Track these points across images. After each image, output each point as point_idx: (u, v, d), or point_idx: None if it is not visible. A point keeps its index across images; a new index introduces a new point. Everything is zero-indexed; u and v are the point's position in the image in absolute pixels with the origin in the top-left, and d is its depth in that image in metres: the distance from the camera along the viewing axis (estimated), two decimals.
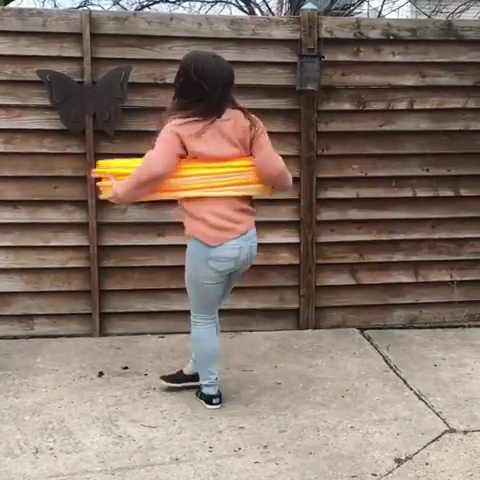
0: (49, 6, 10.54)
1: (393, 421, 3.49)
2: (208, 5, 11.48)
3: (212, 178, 3.32)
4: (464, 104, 4.89)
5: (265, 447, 3.22)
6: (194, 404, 3.64)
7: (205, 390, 3.63)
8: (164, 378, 3.84)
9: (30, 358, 4.31)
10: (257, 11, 10.99)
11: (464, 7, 10.09)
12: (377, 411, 3.61)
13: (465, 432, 3.38)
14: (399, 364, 4.26)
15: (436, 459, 3.12)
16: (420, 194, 4.94)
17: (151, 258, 4.70)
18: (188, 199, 3.35)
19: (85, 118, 4.55)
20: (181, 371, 3.86)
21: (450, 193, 4.97)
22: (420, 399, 3.76)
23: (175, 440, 3.29)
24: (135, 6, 11.54)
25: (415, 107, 4.85)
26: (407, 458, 3.12)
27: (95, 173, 3.56)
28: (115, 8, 11.28)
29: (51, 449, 3.19)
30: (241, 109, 3.38)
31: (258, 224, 3.55)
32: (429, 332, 4.88)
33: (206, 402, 3.61)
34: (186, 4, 11.71)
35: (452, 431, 3.39)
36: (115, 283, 4.77)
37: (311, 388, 3.90)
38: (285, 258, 4.85)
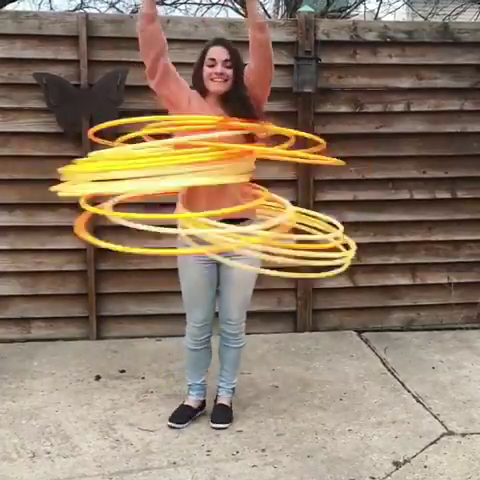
0: (45, 9, 10.50)
1: (391, 424, 3.49)
2: (204, 8, 11.47)
3: None
4: (461, 106, 4.90)
5: (263, 450, 3.22)
6: None
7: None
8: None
9: (27, 362, 4.30)
10: None
11: (460, 9, 10.09)
12: (375, 414, 3.60)
13: (463, 435, 3.38)
14: (397, 367, 4.25)
15: (434, 462, 3.11)
16: (417, 196, 4.94)
17: (148, 261, 4.68)
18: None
19: (81, 121, 4.54)
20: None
21: (447, 195, 4.97)
22: (418, 402, 3.75)
23: (173, 444, 3.28)
24: (131, 9, 11.53)
25: (412, 109, 4.86)
26: (405, 461, 3.12)
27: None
28: (111, 11, 11.26)
29: (48, 453, 3.18)
30: None
31: None
32: (427, 334, 4.88)
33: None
34: (182, 7, 11.68)
35: (450, 434, 3.39)
36: (112, 286, 4.76)
37: (309, 391, 3.89)
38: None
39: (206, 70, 3.22)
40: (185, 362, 3.63)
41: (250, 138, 3.19)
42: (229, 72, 3.20)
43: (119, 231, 4.66)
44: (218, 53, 3.21)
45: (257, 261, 3.36)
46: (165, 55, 3.24)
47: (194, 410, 3.54)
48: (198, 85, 3.28)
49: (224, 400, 3.55)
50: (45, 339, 4.67)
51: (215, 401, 3.57)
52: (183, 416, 3.48)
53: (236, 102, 3.20)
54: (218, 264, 3.35)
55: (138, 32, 3.20)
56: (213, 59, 3.20)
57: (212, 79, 3.20)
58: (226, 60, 3.20)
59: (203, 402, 3.59)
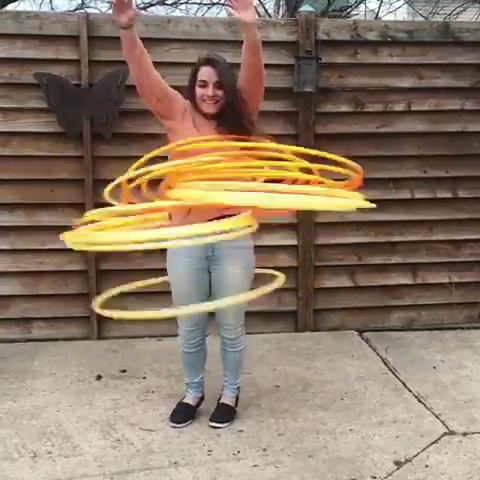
0: (46, 9, 10.51)
1: (392, 423, 3.49)
2: (205, 7, 11.48)
3: None
4: (461, 106, 4.90)
5: (264, 450, 3.22)
6: None
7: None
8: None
9: (28, 362, 4.30)
10: None
11: (461, 9, 10.09)
12: (376, 413, 3.60)
13: (464, 434, 3.38)
14: (398, 366, 4.25)
15: (436, 461, 3.11)
16: (418, 196, 4.94)
17: (149, 261, 4.69)
18: None
19: (82, 121, 4.54)
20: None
21: (448, 195, 4.97)
22: (419, 401, 3.75)
23: (174, 443, 3.28)
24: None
25: (412, 109, 4.86)
26: (407, 460, 3.12)
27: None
28: (112, 11, 11.27)
29: (49, 453, 3.18)
30: None
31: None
32: (428, 334, 4.88)
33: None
34: (183, 7, 11.68)
35: (451, 433, 3.39)
36: (113, 286, 4.70)
37: (310, 391, 3.89)
38: (283, 260, 4.85)
39: (198, 91, 3.24)
40: (182, 362, 3.64)
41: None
42: (220, 93, 3.22)
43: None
44: (208, 75, 3.23)
45: (251, 265, 3.38)
46: (152, 71, 3.22)
47: (193, 408, 3.55)
48: (192, 103, 3.30)
49: (227, 399, 3.56)
50: (46, 339, 4.67)
51: (219, 399, 3.58)
52: (183, 415, 3.49)
53: (230, 120, 3.23)
54: (209, 271, 3.34)
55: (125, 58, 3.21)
56: (204, 81, 3.23)
57: (204, 100, 3.23)
58: (217, 81, 3.22)
59: (201, 397, 3.61)
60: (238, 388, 3.60)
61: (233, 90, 3.25)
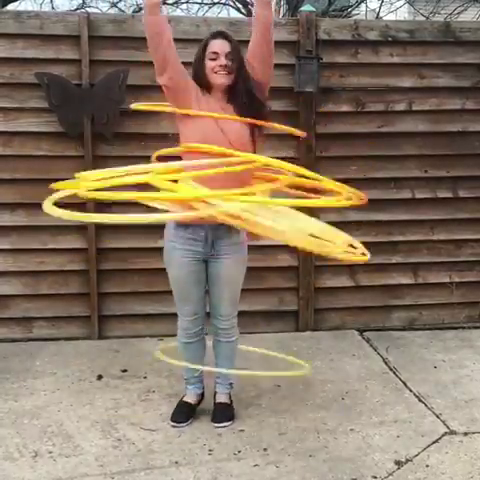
0: (47, 9, 10.51)
1: (393, 423, 3.49)
2: (206, 7, 11.48)
3: None
4: (462, 105, 4.90)
5: (265, 450, 3.22)
6: None
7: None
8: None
9: (29, 361, 4.30)
10: None
11: (462, 8, 10.10)
12: (377, 413, 3.60)
13: (465, 434, 3.38)
14: (399, 366, 4.25)
15: (436, 461, 3.11)
16: (419, 195, 4.94)
17: (150, 260, 4.68)
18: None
19: (83, 121, 4.54)
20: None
21: (449, 194, 4.97)
22: (420, 401, 3.75)
23: (175, 443, 3.28)
24: (133, 8, 11.55)
25: (413, 108, 4.86)
26: (407, 460, 3.12)
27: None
28: (113, 11, 11.28)
29: (50, 453, 3.19)
30: None
31: None
32: (428, 334, 4.88)
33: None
34: (184, 6, 11.70)
35: (452, 433, 3.39)
36: (114, 286, 4.76)
37: (311, 390, 3.89)
38: (284, 260, 4.85)
39: (209, 64, 3.18)
40: (181, 357, 3.61)
41: (254, 133, 3.23)
42: (232, 64, 3.17)
43: (122, 230, 4.69)
44: (220, 46, 3.18)
45: (245, 259, 3.41)
46: (172, 48, 3.19)
47: (194, 406, 3.55)
48: (201, 81, 3.23)
49: (223, 397, 3.55)
50: (47, 339, 4.67)
51: (214, 398, 3.57)
52: (183, 414, 3.49)
53: (242, 96, 3.18)
54: (206, 261, 3.34)
55: (144, 26, 3.16)
56: (215, 52, 3.17)
57: (216, 72, 3.17)
58: (229, 53, 3.18)
59: (201, 394, 3.61)
60: (231, 384, 3.59)
61: (243, 65, 3.19)
